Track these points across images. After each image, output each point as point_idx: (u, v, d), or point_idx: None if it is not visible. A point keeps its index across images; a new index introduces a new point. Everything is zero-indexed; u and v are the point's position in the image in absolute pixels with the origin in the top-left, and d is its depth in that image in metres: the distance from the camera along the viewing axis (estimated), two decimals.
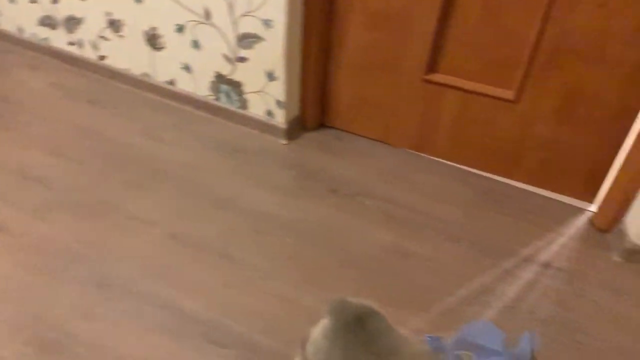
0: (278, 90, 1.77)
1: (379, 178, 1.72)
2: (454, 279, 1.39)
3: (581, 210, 1.64)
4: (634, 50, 1.37)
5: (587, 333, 1.27)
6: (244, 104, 1.88)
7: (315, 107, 1.87)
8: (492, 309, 1.32)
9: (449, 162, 1.78)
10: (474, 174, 1.75)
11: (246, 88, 1.84)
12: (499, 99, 1.57)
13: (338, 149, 1.84)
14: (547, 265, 1.45)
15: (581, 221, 1.60)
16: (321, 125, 1.93)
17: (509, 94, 1.56)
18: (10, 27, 2.28)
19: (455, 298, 1.35)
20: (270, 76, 1.75)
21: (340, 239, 1.49)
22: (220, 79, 1.86)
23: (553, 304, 1.34)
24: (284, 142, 1.85)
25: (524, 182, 1.70)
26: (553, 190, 1.67)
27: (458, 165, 1.77)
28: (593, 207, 1.62)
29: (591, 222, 1.59)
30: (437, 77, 1.63)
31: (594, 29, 1.38)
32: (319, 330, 1.02)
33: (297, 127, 1.89)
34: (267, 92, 1.80)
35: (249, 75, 1.80)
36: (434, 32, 1.55)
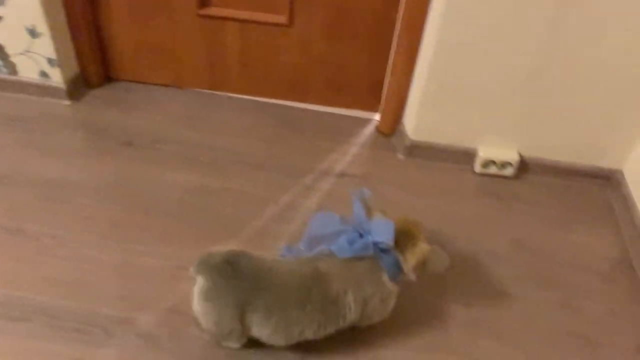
0: (46, 47, 1.61)
1: (176, 123, 1.69)
2: (260, 203, 1.44)
3: (368, 121, 1.78)
4: None
5: None
6: (12, 69, 1.69)
7: (95, 60, 1.75)
8: (296, 222, 1.40)
9: (244, 96, 1.80)
10: (270, 103, 1.80)
11: (9, 50, 1.65)
12: (274, 24, 1.61)
13: (129, 102, 1.75)
14: (342, 174, 1.56)
15: (368, 130, 1.74)
16: (107, 79, 1.82)
17: (282, 19, 1.60)
18: None
19: (263, 220, 1.40)
20: (33, 33, 1.59)
21: (140, 190, 1.45)
22: None
23: (349, 205, 1.46)
24: (67, 103, 1.71)
25: (316, 104, 1.79)
26: (342, 107, 1.79)
27: (254, 98, 1.80)
28: (377, 116, 1.77)
29: (377, 129, 1.74)
30: (212, 11, 1.61)
31: None
32: (196, 296, 1.02)
33: (80, 85, 1.76)
34: (35, 52, 1.63)
35: (8, 36, 1.62)
36: None
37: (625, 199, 1.53)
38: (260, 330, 1.04)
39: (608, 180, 1.62)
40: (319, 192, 1.50)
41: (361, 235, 1.07)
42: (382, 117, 1.72)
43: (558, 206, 1.55)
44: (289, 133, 1.70)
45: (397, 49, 1.56)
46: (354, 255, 1.05)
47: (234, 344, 1.10)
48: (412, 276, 1.07)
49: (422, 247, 1.05)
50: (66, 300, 1.17)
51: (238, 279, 1.02)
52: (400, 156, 1.65)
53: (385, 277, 1.06)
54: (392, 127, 1.69)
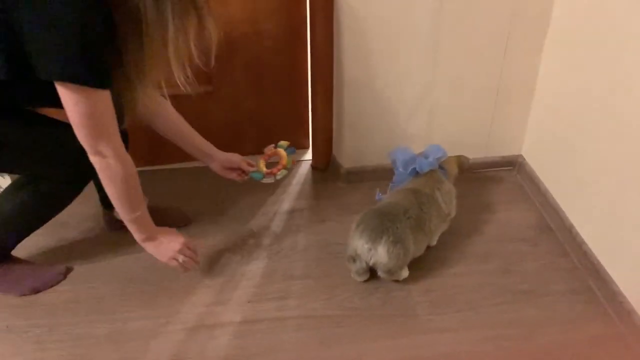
0: None
1: None
2: (224, 251, 1.58)
3: (304, 162, 1.98)
4: (276, 24, 1.71)
5: (338, 242, 1.59)
6: None
7: None
8: (263, 259, 1.55)
9: (184, 165, 1.90)
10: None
11: None
12: (203, 93, 1.79)
13: None
14: (292, 211, 1.74)
15: (304, 170, 1.94)
16: None
17: (209, 88, 1.79)
18: None
19: (233, 264, 1.53)
20: None
21: (113, 266, 1.54)
22: None
23: (306, 235, 1.64)
24: None
25: (253, 154, 1.95)
26: None
27: (192, 165, 1.92)
28: (309, 154, 1.97)
29: (312, 166, 1.94)
30: None
31: (246, 16, 1.69)
32: (386, 251, 1.36)
33: None
34: None
35: None
36: None
37: (530, 177, 1.81)
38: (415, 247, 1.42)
39: (513, 165, 1.91)
40: (276, 229, 1.66)
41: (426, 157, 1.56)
42: (314, 155, 1.93)
43: (479, 194, 1.81)
44: (231, 188, 1.83)
45: (313, 94, 1.79)
46: (427, 170, 1.54)
47: (405, 273, 1.45)
48: (452, 180, 1.62)
49: (456, 159, 1.68)
50: None
51: (394, 220, 1.38)
52: (341, 184, 1.85)
53: (446, 180, 1.57)
54: (325, 161, 1.90)
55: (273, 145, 1.60)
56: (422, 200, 1.46)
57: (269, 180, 1.54)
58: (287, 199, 1.79)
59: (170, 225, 1.45)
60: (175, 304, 1.41)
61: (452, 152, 1.85)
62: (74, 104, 1.07)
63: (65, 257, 1.55)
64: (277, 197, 1.80)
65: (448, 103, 1.75)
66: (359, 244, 1.38)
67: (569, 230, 1.57)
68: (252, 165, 1.56)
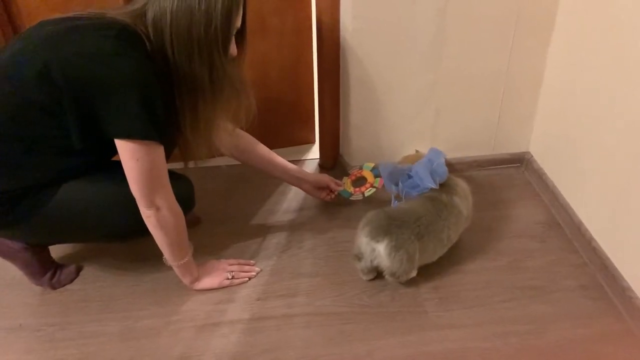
0: None
1: None
2: (236, 247, 1.59)
3: (309, 161, 1.98)
4: (280, 18, 1.72)
5: (345, 241, 1.60)
6: None
7: None
8: (273, 258, 1.56)
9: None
10: (214, 166, 1.79)
11: None
12: None
13: None
14: (301, 209, 1.75)
15: (311, 169, 1.95)
16: None
17: None
18: None
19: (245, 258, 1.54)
20: None
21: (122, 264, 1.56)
22: None
23: (314, 234, 1.65)
24: None
25: None
26: (283, 146, 1.97)
27: (201, 165, 1.94)
28: (316, 153, 1.98)
29: (319, 165, 1.95)
30: None
31: (252, 10, 1.70)
32: (387, 254, 1.34)
33: None
34: None
35: None
36: None
37: (538, 173, 1.80)
38: (422, 253, 1.39)
39: (521, 162, 1.91)
40: (284, 228, 1.67)
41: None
42: (321, 154, 1.93)
43: (486, 192, 1.80)
44: (239, 187, 1.86)
45: (320, 93, 1.80)
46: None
47: (412, 274, 1.41)
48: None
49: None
50: None
51: (402, 226, 1.36)
52: None
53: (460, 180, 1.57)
54: (332, 160, 1.91)
55: (359, 166, 1.74)
56: (440, 208, 1.44)
57: (357, 197, 1.67)
58: (295, 198, 1.79)
59: None
60: (185, 301, 1.42)
61: (459, 151, 1.86)
62: (135, 160, 1.14)
63: (76, 256, 1.57)
64: (284, 195, 1.81)
65: (454, 101, 1.75)
66: (363, 243, 1.39)
67: (577, 227, 1.57)
68: (339, 185, 1.69)
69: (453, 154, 1.86)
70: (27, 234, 1.31)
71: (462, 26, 1.60)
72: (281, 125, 1.96)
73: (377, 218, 1.40)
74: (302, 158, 2.00)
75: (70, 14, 1.17)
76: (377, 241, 1.35)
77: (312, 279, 1.49)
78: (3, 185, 1.19)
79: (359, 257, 1.43)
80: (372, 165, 1.71)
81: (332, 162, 1.92)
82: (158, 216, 1.23)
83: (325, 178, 1.67)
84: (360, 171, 1.72)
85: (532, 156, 1.87)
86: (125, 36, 1.10)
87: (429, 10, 1.56)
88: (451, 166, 1.86)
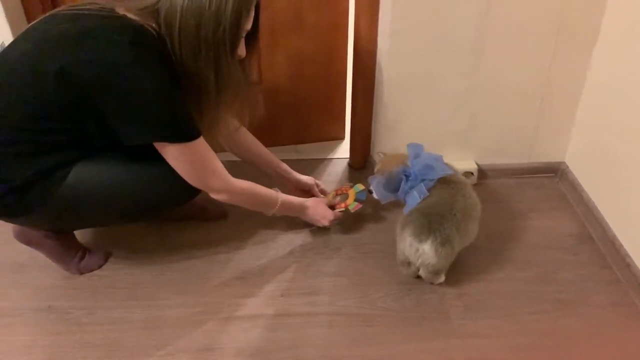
0: None
1: None
2: (263, 243, 1.59)
3: (341, 160, 1.98)
4: (319, 15, 1.72)
5: (372, 242, 1.60)
6: None
7: None
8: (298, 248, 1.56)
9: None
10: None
11: None
12: None
13: None
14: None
15: (341, 168, 1.94)
16: None
17: (257, 80, 1.80)
18: None
19: (266, 259, 1.55)
20: None
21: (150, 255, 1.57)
22: None
23: (340, 234, 1.64)
24: None
25: (288, 144, 1.98)
26: (312, 141, 1.99)
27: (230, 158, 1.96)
28: (347, 154, 1.97)
29: (349, 165, 1.94)
30: None
31: (290, 5, 1.70)
32: (433, 254, 1.34)
33: None
34: None
35: None
36: None
37: (573, 185, 1.76)
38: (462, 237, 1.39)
39: (555, 172, 1.86)
40: (310, 226, 1.66)
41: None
42: (351, 154, 1.93)
43: (518, 201, 1.77)
44: (266, 183, 1.85)
45: (353, 92, 1.79)
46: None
47: (442, 279, 1.43)
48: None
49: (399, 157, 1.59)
50: (108, 359, 1.28)
51: (441, 220, 1.35)
52: None
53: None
54: (362, 160, 1.90)
55: (351, 184, 1.70)
56: (458, 188, 1.43)
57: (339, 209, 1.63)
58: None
59: (207, 219, 1.55)
60: (210, 294, 1.43)
61: (492, 157, 1.83)
62: (174, 159, 1.19)
63: (105, 242, 1.59)
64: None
65: (490, 107, 1.72)
66: (407, 245, 1.37)
67: (611, 242, 1.53)
68: (323, 193, 1.69)
69: (486, 160, 1.83)
70: (44, 220, 1.32)
71: (503, 31, 1.57)
72: (312, 119, 1.96)
73: (416, 218, 1.38)
74: (332, 157, 1.99)
75: (79, 6, 1.15)
76: (421, 240, 1.34)
77: (336, 279, 1.48)
78: (17, 172, 1.18)
79: (407, 263, 1.41)
80: (362, 187, 1.65)
81: (362, 162, 1.91)
82: (223, 197, 1.30)
83: (310, 181, 1.66)
84: (348, 188, 1.67)
85: (567, 167, 1.82)
86: (139, 41, 1.09)
87: (470, 13, 1.53)
88: (483, 172, 1.84)
